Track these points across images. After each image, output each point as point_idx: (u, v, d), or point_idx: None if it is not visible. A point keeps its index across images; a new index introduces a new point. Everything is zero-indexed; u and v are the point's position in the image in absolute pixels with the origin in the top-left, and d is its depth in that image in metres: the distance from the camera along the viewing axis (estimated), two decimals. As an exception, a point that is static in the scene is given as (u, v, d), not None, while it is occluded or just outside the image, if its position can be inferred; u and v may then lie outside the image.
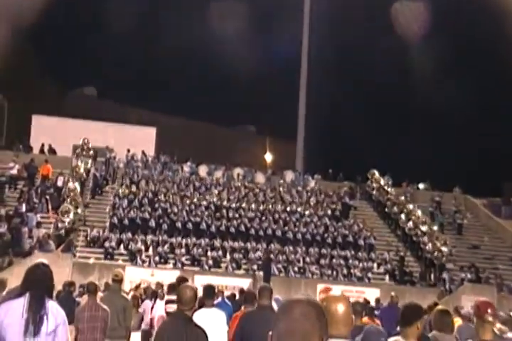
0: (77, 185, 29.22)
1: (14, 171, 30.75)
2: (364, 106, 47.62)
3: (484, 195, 38.05)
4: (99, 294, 10.15)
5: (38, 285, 5.26)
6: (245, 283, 25.26)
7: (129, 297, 15.25)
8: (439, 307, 7.08)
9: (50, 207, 28.90)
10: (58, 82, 50.18)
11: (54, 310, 5.24)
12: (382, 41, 44.62)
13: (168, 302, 8.85)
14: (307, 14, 43.44)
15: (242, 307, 10.15)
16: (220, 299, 14.61)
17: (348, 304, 3.57)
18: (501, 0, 34.44)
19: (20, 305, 5.15)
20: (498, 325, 5.28)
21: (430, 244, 29.76)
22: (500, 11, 35.03)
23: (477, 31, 41.72)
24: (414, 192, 36.97)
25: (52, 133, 37.93)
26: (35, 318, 5.14)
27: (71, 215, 26.56)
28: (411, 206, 32.85)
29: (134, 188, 31.37)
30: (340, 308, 3.49)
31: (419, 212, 32.53)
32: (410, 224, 31.55)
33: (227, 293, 18.87)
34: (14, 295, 5.49)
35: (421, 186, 39.15)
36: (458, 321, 10.53)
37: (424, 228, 31.04)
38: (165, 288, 14.81)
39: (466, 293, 26.44)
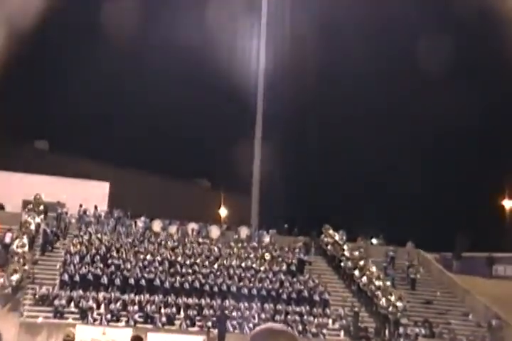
0: (26, 241, 28.48)
1: (-39, 227, 29.87)
2: (319, 161, 48.29)
3: (437, 248, 38.57)
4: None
5: None
6: (200, 341, 24.71)
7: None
8: None
9: (-3, 264, 28.01)
10: (9, 135, 49.56)
11: None
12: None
13: None
14: (262, 64, 44.15)
15: None
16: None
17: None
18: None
19: None
20: None
21: (384, 299, 29.81)
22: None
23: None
24: (368, 247, 37.21)
25: (2, 188, 37.17)
26: None
27: (18, 273, 25.75)
28: (364, 261, 33.02)
29: (86, 244, 30.75)
30: None
31: (373, 268, 32.71)
32: (364, 279, 31.63)
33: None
34: None
35: (374, 241, 39.50)
36: None
37: (378, 283, 31.15)
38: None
39: (421, 348, 26.39)
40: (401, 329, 28.73)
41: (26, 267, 26.92)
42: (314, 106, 48.36)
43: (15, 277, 26.01)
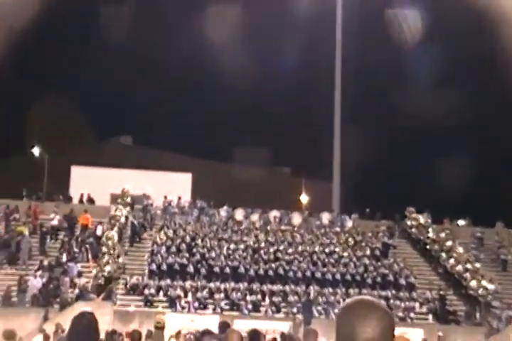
0: (115, 233, 29.61)
1: (55, 222, 31.36)
2: (400, 143, 47.48)
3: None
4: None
5: (83, 335, 5.40)
6: (285, 327, 24.96)
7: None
8: None
9: (90, 256, 29.29)
10: (94, 132, 51.46)
11: None
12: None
13: None
14: (339, 59, 43.73)
15: None
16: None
17: None
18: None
19: None
20: None
21: (475, 282, 29.12)
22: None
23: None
24: (454, 229, 36.37)
25: (91, 183, 38.67)
26: None
27: (110, 265, 26.86)
28: (451, 243, 32.32)
29: (171, 234, 31.63)
30: None
31: (460, 249, 31.97)
32: (452, 261, 30.98)
33: (268, 337, 18.66)
34: None
35: (461, 222, 38.52)
36: None
37: (467, 265, 30.44)
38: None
39: (514, 331, 25.63)
40: (493, 312, 28.00)
41: (120, 259, 27.97)
42: (394, 88, 47.48)
43: (108, 268, 27.05)
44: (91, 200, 36.50)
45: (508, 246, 34.95)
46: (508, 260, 33.44)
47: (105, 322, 22.25)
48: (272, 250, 31.01)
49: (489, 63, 41.61)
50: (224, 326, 9.54)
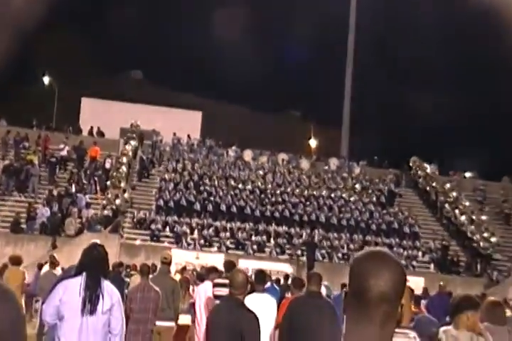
0: (124, 167, 29.65)
1: (64, 152, 31.36)
2: (411, 93, 46.92)
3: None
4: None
5: (94, 266, 5.43)
6: (289, 269, 25.32)
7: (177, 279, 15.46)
8: (491, 298, 6.96)
9: (98, 188, 29.44)
10: (105, 64, 50.82)
11: (109, 290, 5.41)
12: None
13: (216, 285, 8.92)
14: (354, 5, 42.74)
15: (289, 293, 10.14)
16: (269, 284, 14.63)
17: (409, 294, 3.44)
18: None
19: (77, 284, 5.33)
20: None
21: (478, 234, 29.34)
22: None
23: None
24: (461, 181, 36.41)
25: (101, 115, 38.48)
26: (91, 297, 5.31)
27: (119, 198, 27.01)
28: (456, 194, 32.40)
29: (179, 171, 31.69)
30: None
31: (466, 202, 32.06)
32: (456, 212, 31.13)
33: (272, 278, 18.91)
34: (72, 274, 5.66)
35: (468, 175, 38.52)
36: (507, 312, 10.40)
37: (472, 217, 30.60)
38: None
39: (513, 283, 26.02)
40: (493, 264, 28.35)
41: (126, 194, 28.09)
42: (408, 35, 46.54)
43: (117, 202, 27.17)
44: (101, 133, 36.40)
45: (512, 200, 35.09)
46: (511, 214, 33.60)
47: (112, 254, 22.55)
48: (278, 192, 31.12)
49: None
50: (230, 265, 9.60)
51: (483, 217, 31.10)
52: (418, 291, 22.01)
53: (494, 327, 6.09)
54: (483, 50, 44.38)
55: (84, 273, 5.37)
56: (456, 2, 42.12)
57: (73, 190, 28.32)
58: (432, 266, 28.22)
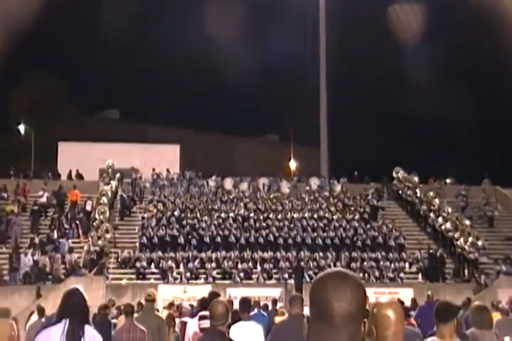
0: (105, 208, 29.73)
1: (43, 199, 31.46)
2: (383, 106, 47.44)
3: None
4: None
5: (75, 312, 5.54)
6: (277, 293, 25.34)
7: (164, 315, 15.47)
8: (477, 303, 7.00)
9: (80, 231, 29.49)
10: (80, 107, 51.13)
11: (91, 335, 5.50)
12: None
13: (201, 318, 9.03)
14: (323, 15, 43.46)
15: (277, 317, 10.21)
16: (256, 310, 14.62)
17: (399, 310, 3.25)
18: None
19: (59, 331, 5.41)
20: None
21: (462, 239, 29.49)
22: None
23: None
24: (442, 188, 36.68)
25: (79, 158, 38.63)
26: None
27: (101, 239, 27.06)
28: (439, 202, 32.62)
29: (161, 207, 31.80)
30: (392, 315, 3.20)
31: (448, 208, 32.28)
32: (440, 220, 31.32)
33: (261, 304, 18.89)
34: (53, 321, 5.77)
35: (448, 181, 38.81)
36: (497, 316, 10.47)
37: (456, 223, 30.78)
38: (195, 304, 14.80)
39: (502, 286, 26.07)
40: (480, 269, 28.46)
41: (110, 234, 28.11)
42: (382, 51, 47.13)
43: (99, 243, 27.21)
44: (80, 176, 36.55)
45: (494, 202, 35.34)
46: (494, 216, 33.83)
47: (98, 296, 22.59)
48: (261, 217, 31.26)
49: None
50: (213, 296, 9.68)
51: (467, 222, 31.28)
52: (407, 303, 22.17)
53: (481, 332, 6.14)
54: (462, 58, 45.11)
55: (65, 320, 5.42)
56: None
57: (55, 236, 28.34)
58: (419, 275, 28.30)
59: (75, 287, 6.29)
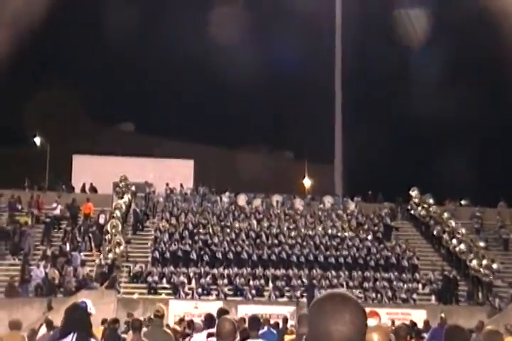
0: (118, 222, 29.73)
1: (57, 211, 31.51)
2: (399, 125, 47.35)
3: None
4: (144, 329, 10.31)
5: (81, 325, 5.54)
6: (289, 311, 25.13)
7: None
8: (489, 327, 6.94)
9: (93, 245, 29.46)
10: (95, 120, 51.44)
11: None
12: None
13: (209, 335, 8.93)
14: (339, 29, 43.44)
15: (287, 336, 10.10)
16: (265, 328, 14.52)
17: (384, 334, 3.30)
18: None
19: None
20: None
21: (476, 262, 29.19)
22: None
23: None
24: (456, 209, 36.39)
25: (93, 171, 38.77)
26: None
27: (113, 253, 27.01)
28: (454, 223, 32.37)
29: (174, 221, 31.75)
30: (375, 338, 3.33)
31: (463, 230, 32.00)
32: (454, 241, 31.04)
33: (271, 322, 18.74)
34: (61, 334, 5.76)
35: (463, 202, 38.51)
36: (510, 340, 10.31)
37: (470, 245, 30.50)
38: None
39: (516, 310, 25.77)
40: (495, 292, 28.12)
41: (122, 247, 28.06)
42: (399, 69, 47.14)
43: (110, 256, 27.16)
44: (94, 189, 36.63)
45: (510, 225, 35.00)
46: (509, 239, 33.49)
47: (109, 310, 22.50)
48: (274, 234, 31.12)
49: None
50: (222, 312, 9.61)
51: (482, 244, 30.98)
52: (420, 324, 21.89)
53: None
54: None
55: (73, 334, 5.42)
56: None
57: (67, 248, 28.33)
58: (433, 297, 27.98)
59: (81, 301, 6.26)
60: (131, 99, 50.98)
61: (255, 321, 8.88)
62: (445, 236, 31.86)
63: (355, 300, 1.98)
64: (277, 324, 18.69)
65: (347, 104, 43.27)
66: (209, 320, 9.92)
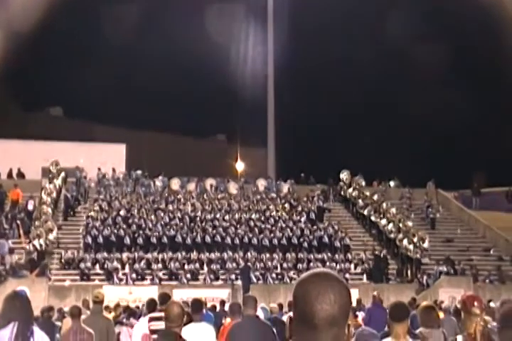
0: (48, 207, 29.03)
1: (-17, 198, 30.49)
2: (329, 107, 47.93)
3: (455, 187, 38.52)
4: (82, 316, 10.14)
5: (21, 314, 5.39)
6: (224, 294, 25.25)
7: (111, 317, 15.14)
8: (424, 303, 7.15)
9: (21, 231, 28.67)
10: (23, 104, 49.85)
11: (40, 338, 5.38)
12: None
13: (152, 319, 8.85)
14: (271, 17, 43.51)
15: (228, 319, 10.19)
16: (204, 312, 14.52)
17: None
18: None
19: (7, 334, 5.28)
20: (485, 317, 5.31)
21: (406, 241, 30.02)
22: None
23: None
24: (386, 190, 37.31)
25: (20, 156, 37.65)
26: None
27: (43, 239, 26.37)
28: (384, 204, 33.17)
29: (106, 206, 31.26)
30: None
31: (393, 210, 32.84)
32: (384, 222, 31.84)
33: (208, 305, 18.78)
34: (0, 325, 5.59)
35: (392, 183, 39.51)
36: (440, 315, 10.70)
37: (399, 225, 31.34)
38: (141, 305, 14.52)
39: (443, 286, 26.75)
40: (422, 269, 29.06)
41: (54, 233, 27.39)
42: (332, 47, 47.35)
43: (37, 242, 26.43)
44: (21, 175, 35.61)
45: (436, 204, 36.19)
46: (436, 218, 34.62)
47: (40, 298, 22.01)
48: (208, 218, 31.11)
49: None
50: (164, 297, 9.55)
51: (410, 223, 31.89)
52: (353, 303, 22.40)
53: (429, 331, 6.29)
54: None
55: (13, 323, 5.29)
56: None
57: (-6, 236, 27.50)
58: (364, 276, 28.68)
59: (20, 289, 6.12)
60: (60, 83, 49.56)
61: (198, 304, 8.89)
62: (375, 216, 32.63)
63: (339, 279, 1.99)
64: (214, 307, 18.77)
65: (279, 86, 43.44)
66: (151, 305, 9.87)
